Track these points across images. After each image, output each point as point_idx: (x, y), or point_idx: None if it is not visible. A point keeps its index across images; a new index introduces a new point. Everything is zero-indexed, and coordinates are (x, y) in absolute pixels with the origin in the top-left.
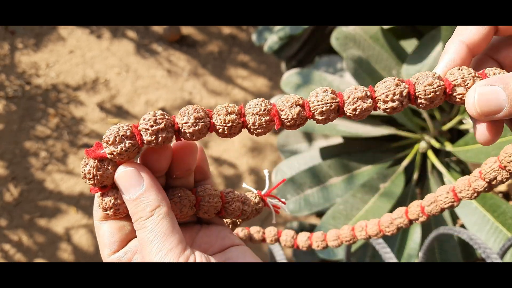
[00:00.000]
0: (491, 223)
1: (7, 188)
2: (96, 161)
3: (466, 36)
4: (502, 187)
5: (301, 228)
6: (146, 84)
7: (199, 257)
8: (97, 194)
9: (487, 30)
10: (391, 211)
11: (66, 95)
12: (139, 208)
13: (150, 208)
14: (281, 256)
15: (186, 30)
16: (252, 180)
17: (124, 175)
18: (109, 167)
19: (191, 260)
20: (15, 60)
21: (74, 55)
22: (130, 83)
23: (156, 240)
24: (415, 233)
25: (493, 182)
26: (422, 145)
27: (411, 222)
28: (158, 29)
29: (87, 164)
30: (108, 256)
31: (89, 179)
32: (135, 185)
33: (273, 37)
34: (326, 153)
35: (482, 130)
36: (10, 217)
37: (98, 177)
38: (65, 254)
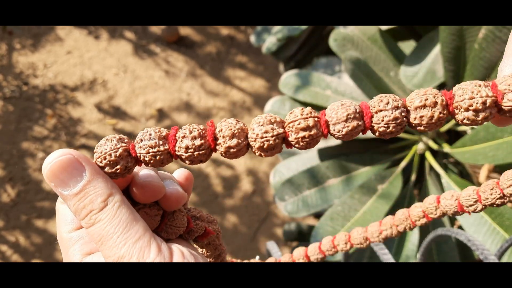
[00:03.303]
0: (489, 225)
1: (4, 189)
2: (128, 154)
3: None
4: None
5: (299, 229)
6: (144, 84)
7: (173, 248)
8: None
9: None
10: (389, 212)
11: (64, 95)
12: (86, 201)
13: (102, 198)
14: (278, 256)
15: (184, 31)
16: (250, 181)
17: (59, 164)
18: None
19: (163, 248)
20: (12, 61)
21: (72, 56)
22: (128, 84)
23: (118, 232)
24: (413, 235)
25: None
26: (420, 147)
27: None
28: (156, 29)
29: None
30: (67, 233)
31: (110, 163)
32: (76, 175)
33: (271, 38)
34: (324, 154)
35: None
36: (7, 217)
37: (119, 170)
38: (62, 255)
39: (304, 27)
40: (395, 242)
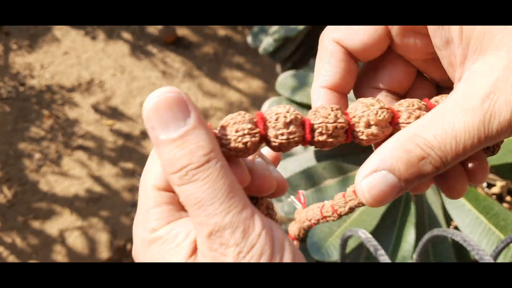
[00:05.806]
0: (484, 225)
1: (1, 190)
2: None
3: (325, 79)
4: (496, 189)
5: None
6: (141, 85)
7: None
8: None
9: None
10: (384, 213)
11: (61, 96)
12: (185, 151)
13: (204, 151)
14: None
15: (182, 31)
16: None
17: (166, 101)
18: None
19: (265, 221)
20: (9, 61)
21: (69, 56)
22: (125, 85)
23: (221, 198)
24: (409, 235)
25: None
26: None
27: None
28: (153, 30)
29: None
30: (154, 189)
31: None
32: (179, 118)
33: (268, 39)
34: (321, 155)
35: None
36: (4, 218)
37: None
38: (59, 256)
39: (301, 27)
40: (392, 242)
